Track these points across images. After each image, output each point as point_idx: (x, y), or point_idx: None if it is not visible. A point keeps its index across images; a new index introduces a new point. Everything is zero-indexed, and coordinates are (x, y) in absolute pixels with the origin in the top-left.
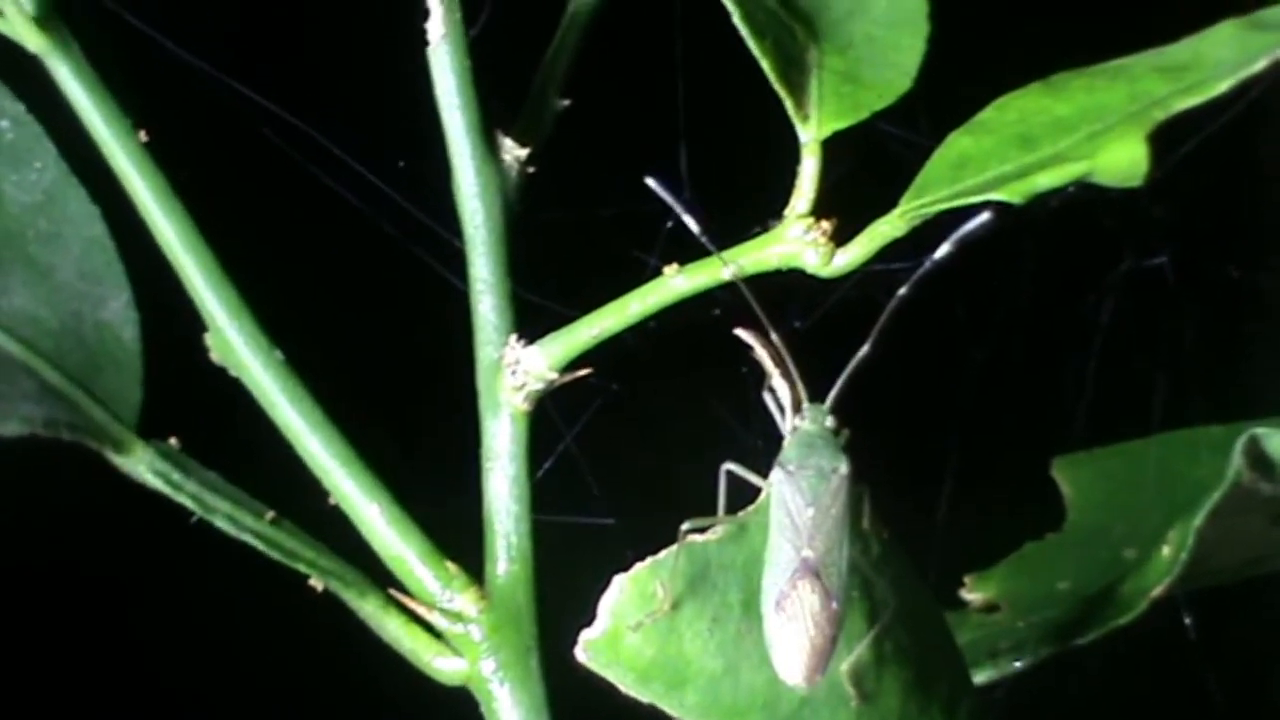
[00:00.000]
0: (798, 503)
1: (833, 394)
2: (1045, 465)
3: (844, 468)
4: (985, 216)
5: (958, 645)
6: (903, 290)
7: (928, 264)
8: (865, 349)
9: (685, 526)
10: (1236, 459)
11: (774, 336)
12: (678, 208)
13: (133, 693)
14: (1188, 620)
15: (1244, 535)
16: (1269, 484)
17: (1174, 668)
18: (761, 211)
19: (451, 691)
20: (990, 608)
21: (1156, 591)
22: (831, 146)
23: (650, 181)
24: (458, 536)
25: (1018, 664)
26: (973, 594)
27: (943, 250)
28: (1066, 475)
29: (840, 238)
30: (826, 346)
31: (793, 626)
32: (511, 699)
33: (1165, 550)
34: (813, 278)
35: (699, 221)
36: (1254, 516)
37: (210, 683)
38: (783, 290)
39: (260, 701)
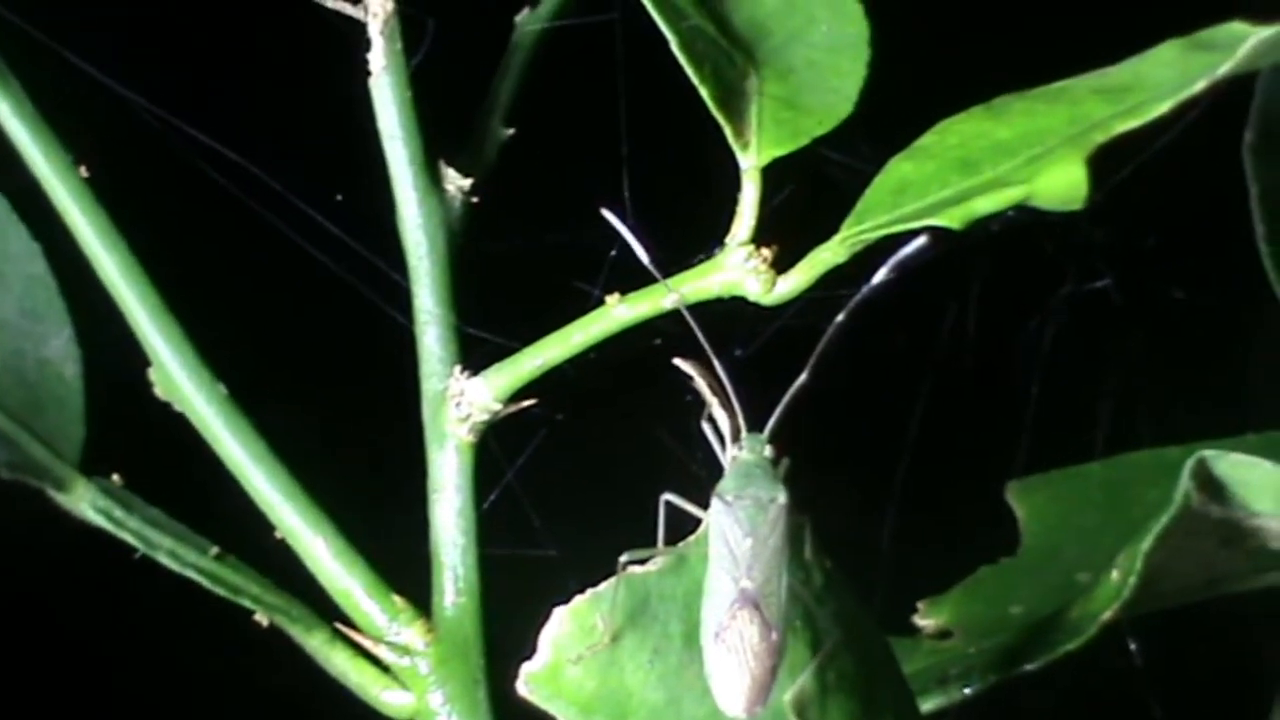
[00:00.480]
0: (736, 533)
1: (771, 423)
2: (992, 490)
3: (782, 498)
4: (922, 241)
5: (904, 674)
6: (840, 317)
7: (865, 290)
8: (803, 377)
9: (624, 558)
10: (1185, 481)
11: (715, 365)
12: (629, 238)
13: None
14: (1133, 646)
15: (1195, 558)
16: (1219, 506)
17: (1121, 695)
18: (705, 239)
19: None
20: (943, 634)
21: (1105, 616)
22: (772, 173)
23: (605, 213)
24: (404, 569)
25: (966, 691)
26: (926, 620)
27: (880, 276)
28: (1020, 499)
29: (781, 264)
30: (769, 375)
31: (732, 658)
32: None
33: (1114, 574)
34: (755, 305)
35: (648, 251)
36: (1204, 539)
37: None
38: (724, 318)
39: None
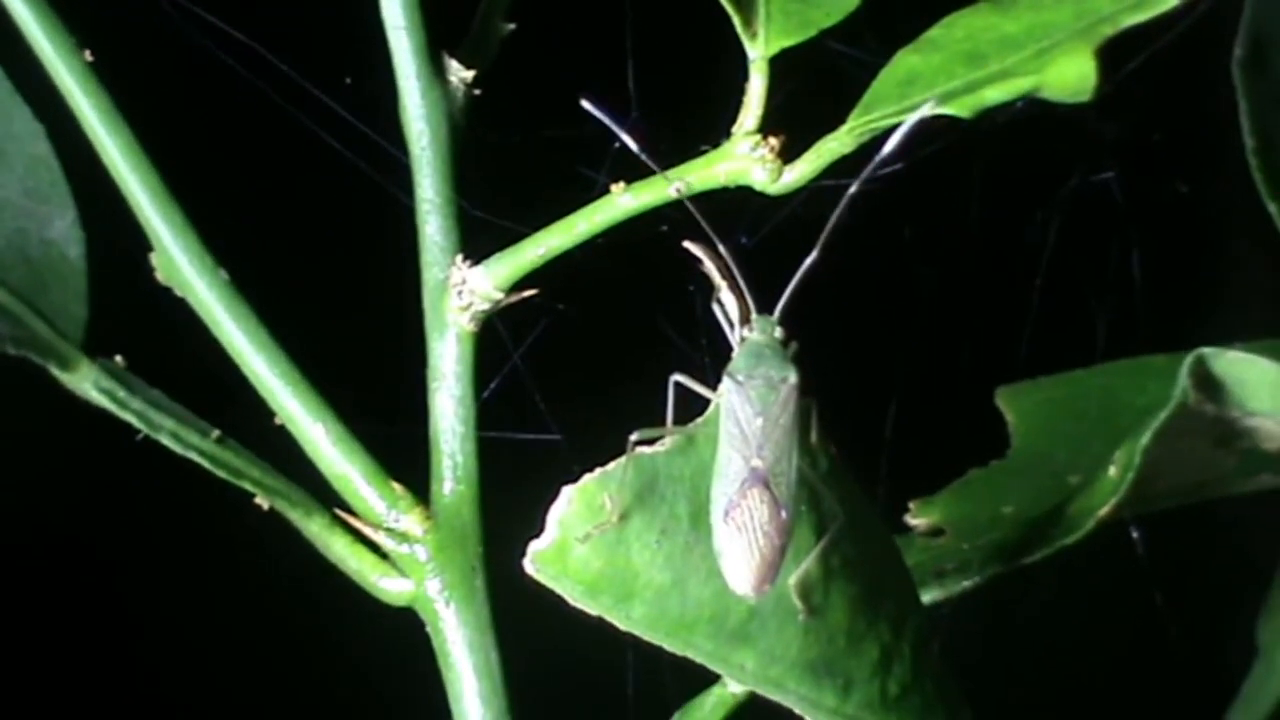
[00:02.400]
0: (746, 412)
1: (781, 304)
2: (990, 388)
3: (793, 377)
4: (926, 110)
5: (905, 563)
6: (853, 189)
7: (875, 161)
8: (814, 255)
9: (634, 437)
10: (1183, 379)
11: (721, 249)
12: (615, 128)
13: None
14: (1135, 534)
15: (1190, 458)
16: (1214, 405)
17: (1122, 588)
18: (711, 130)
19: (398, 612)
20: (934, 532)
21: (1103, 511)
22: (779, 64)
23: (585, 104)
24: (404, 457)
25: (964, 584)
26: (917, 519)
27: (889, 147)
28: (1010, 404)
29: (788, 155)
30: (775, 263)
31: (741, 537)
32: (457, 619)
33: (1112, 470)
34: (761, 195)
35: (640, 141)
36: (1199, 439)
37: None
38: (731, 208)
39: (200, 625)
